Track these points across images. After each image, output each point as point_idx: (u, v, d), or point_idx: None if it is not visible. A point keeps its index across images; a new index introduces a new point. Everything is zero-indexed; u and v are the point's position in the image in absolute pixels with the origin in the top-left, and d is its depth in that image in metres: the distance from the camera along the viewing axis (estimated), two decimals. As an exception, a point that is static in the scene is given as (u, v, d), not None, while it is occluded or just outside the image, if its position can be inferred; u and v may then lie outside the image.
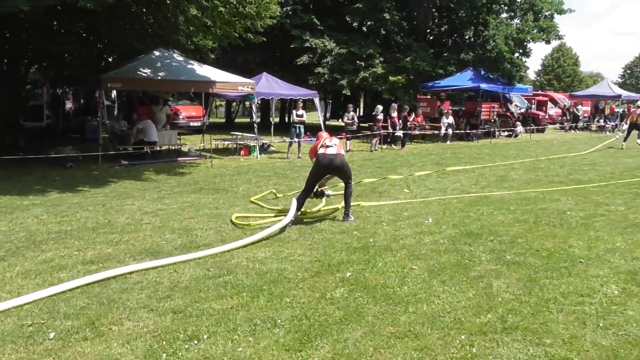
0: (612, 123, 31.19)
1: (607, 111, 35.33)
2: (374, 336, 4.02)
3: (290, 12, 25.75)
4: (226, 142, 19.10)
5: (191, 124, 23.41)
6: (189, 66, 15.72)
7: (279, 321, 4.27)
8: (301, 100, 18.35)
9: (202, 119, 20.72)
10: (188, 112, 24.11)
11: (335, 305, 4.60)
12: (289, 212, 7.33)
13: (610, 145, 19.68)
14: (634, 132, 19.34)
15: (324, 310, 4.50)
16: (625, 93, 34.54)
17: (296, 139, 17.00)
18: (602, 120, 31.93)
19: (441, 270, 5.46)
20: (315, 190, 7.96)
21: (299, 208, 7.55)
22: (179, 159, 16.06)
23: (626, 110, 34.22)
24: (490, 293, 4.83)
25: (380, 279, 5.23)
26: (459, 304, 4.60)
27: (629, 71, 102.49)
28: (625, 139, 19.40)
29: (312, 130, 21.00)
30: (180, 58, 16.13)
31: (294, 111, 17.70)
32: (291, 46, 25.53)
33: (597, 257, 5.84)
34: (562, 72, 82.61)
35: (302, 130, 17.29)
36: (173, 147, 16.87)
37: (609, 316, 4.32)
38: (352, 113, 19.27)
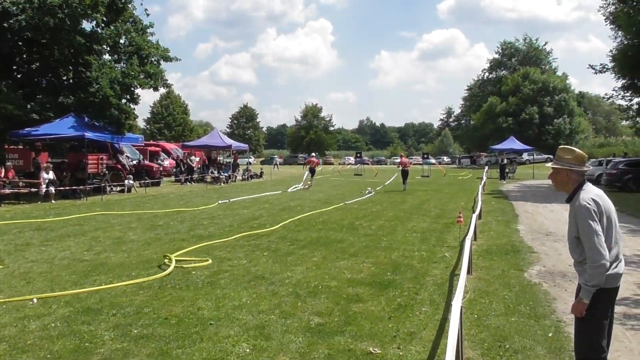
0: (226, 174, 34.99)
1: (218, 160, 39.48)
2: None
3: None
4: None
5: None
6: None
7: None
8: None
9: None
10: None
11: None
12: None
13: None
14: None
15: None
16: (235, 143, 39.34)
17: None
18: (216, 171, 35.41)
19: (56, 361, 5.10)
20: None
21: None
22: None
23: (232, 159, 39.09)
24: (119, 378, 4.75)
25: (-28, 389, 4.54)
26: (82, 399, 4.37)
27: (235, 121, 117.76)
28: (311, 180, 30.87)
29: None
30: None
31: None
32: None
33: (226, 317, 6.42)
34: (172, 120, 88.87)
35: None
36: None
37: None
38: None
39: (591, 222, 3.83)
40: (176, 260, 9.40)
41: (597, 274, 3.77)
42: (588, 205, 3.88)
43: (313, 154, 37.76)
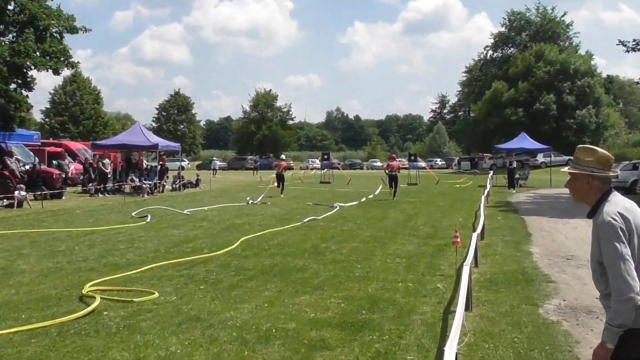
0: (149, 182, 34.62)
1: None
2: None
3: None
4: None
5: None
6: None
7: None
8: None
9: None
10: None
11: None
12: None
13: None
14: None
15: None
16: (163, 142, 38.94)
17: None
18: (137, 179, 34.92)
19: None
20: None
21: None
22: None
23: (160, 163, 38.65)
24: None
25: None
26: None
27: (164, 113, 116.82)
28: (283, 190, 32.48)
29: None
30: None
31: None
32: None
33: (148, 371, 6.34)
34: (80, 112, 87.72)
35: None
36: None
37: None
38: None
39: (616, 243, 3.73)
40: (102, 293, 9.37)
41: (623, 310, 3.66)
42: (613, 221, 3.78)
43: (282, 157, 39.47)
